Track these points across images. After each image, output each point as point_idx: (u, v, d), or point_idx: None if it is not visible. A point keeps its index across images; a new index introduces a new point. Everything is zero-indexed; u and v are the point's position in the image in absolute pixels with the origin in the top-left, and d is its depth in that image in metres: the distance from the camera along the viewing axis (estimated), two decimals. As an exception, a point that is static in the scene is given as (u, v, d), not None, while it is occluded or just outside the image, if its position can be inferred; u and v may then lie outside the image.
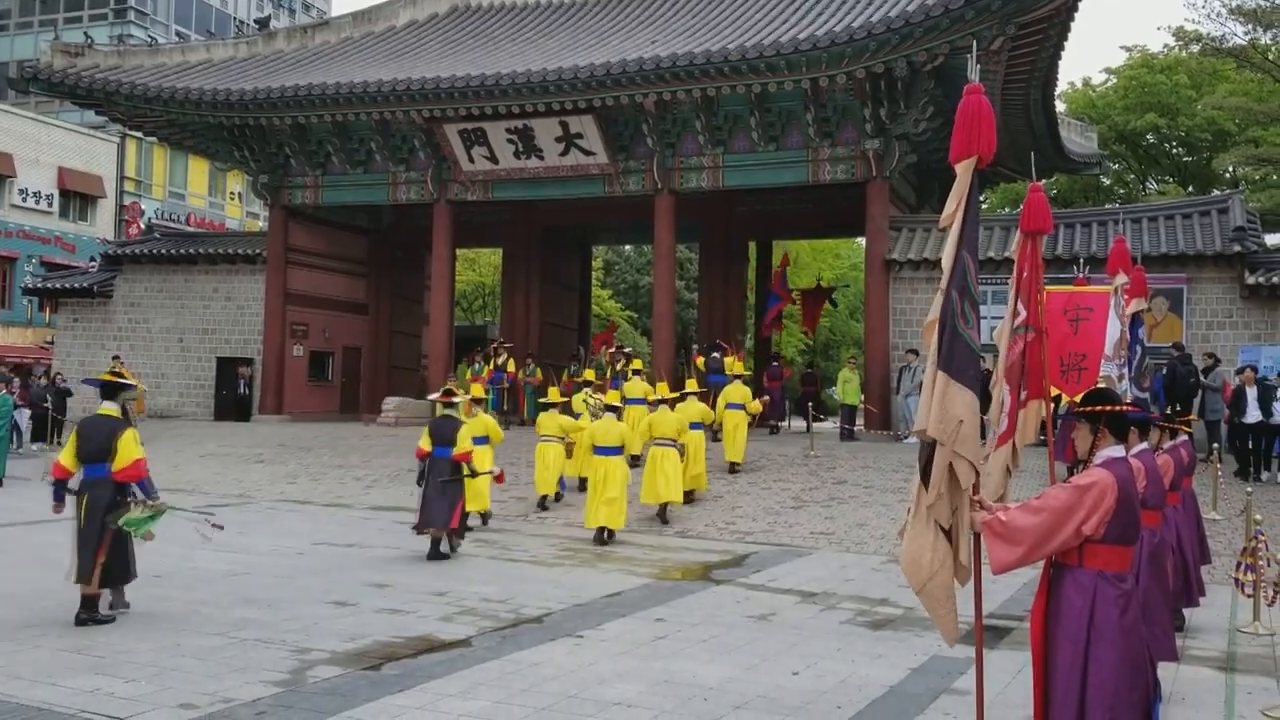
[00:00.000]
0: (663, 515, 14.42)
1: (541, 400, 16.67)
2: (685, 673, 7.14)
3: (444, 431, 11.93)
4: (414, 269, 30.26)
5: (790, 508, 14.97)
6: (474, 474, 12.17)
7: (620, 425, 13.52)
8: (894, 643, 8.19)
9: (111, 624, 8.16)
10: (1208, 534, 10.26)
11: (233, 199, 50.97)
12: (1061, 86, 42.18)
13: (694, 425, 15.21)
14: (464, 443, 11.92)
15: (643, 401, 16.91)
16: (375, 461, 19.21)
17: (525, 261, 28.98)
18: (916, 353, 19.37)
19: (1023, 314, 5.90)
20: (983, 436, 5.49)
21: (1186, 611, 8.62)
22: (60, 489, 8.48)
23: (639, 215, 24.23)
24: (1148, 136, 39.71)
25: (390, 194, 25.50)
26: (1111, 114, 39.11)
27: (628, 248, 49.86)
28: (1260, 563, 8.23)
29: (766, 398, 19.27)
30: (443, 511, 11.61)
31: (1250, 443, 16.31)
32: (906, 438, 19.04)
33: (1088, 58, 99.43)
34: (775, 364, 25.18)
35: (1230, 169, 38.30)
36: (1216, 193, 28.38)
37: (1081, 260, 17.27)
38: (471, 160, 23.74)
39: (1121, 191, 41.58)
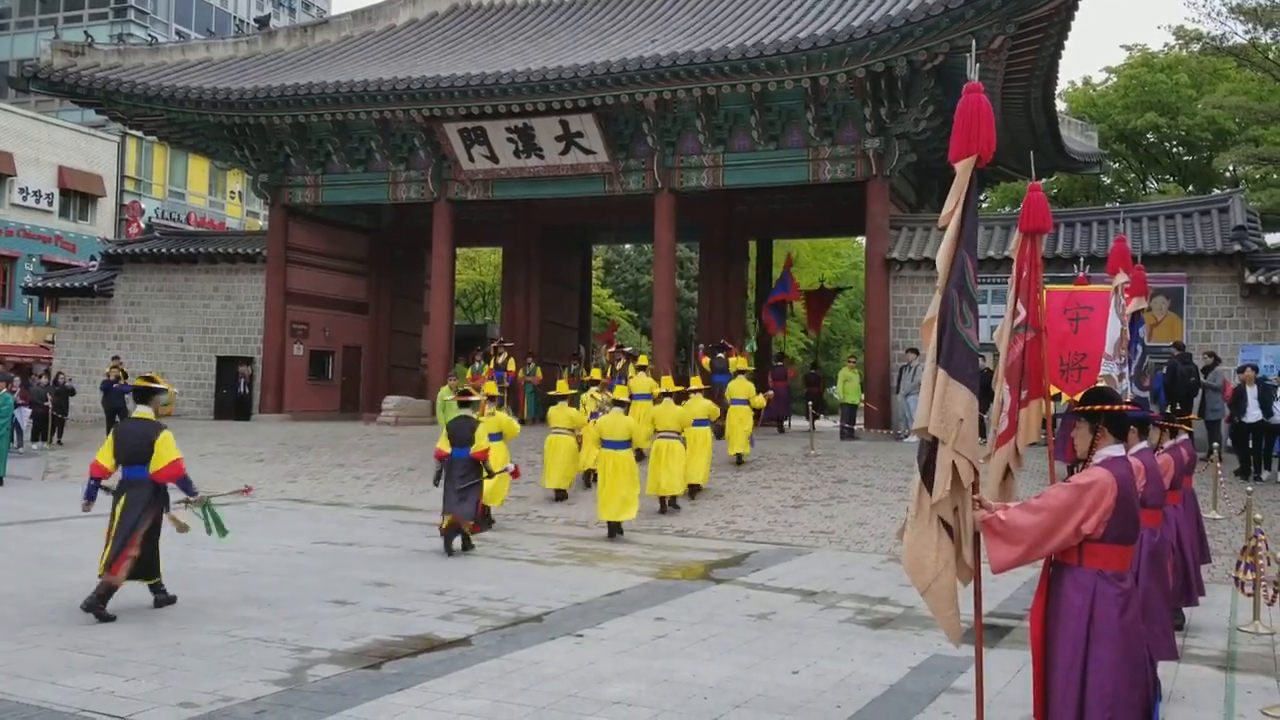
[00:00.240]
0: (664, 507, 14.72)
1: (552, 393, 16.99)
2: (685, 671, 7.14)
3: (462, 432, 12.26)
4: (414, 268, 30.27)
5: (790, 506, 14.99)
6: (490, 474, 12.55)
7: (627, 419, 13.88)
8: (894, 641, 8.19)
9: (112, 623, 8.17)
10: (1208, 533, 10.26)
11: (233, 198, 50.96)
12: (1062, 85, 42.24)
13: (699, 422, 15.53)
14: (481, 441, 12.26)
15: (648, 397, 17.04)
16: (375, 460, 19.21)
17: (525, 260, 28.98)
18: (917, 352, 19.37)
19: (1022, 313, 5.89)
20: (982, 435, 5.49)
21: (1186, 610, 8.62)
22: (94, 487, 8.80)
23: (639, 214, 24.22)
24: (1148, 135, 39.68)
25: (390, 193, 25.50)
26: (1112, 113, 39.08)
27: (628, 247, 49.83)
28: (1260, 562, 8.23)
29: (771, 393, 19.34)
30: (468, 509, 11.99)
31: (1250, 442, 16.32)
32: (907, 436, 19.06)
33: (1088, 57, 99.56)
34: (780, 364, 25.23)
35: (1230, 168, 38.27)
36: (1217, 192, 28.39)
37: (1082, 259, 17.29)
38: (471, 159, 23.74)
39: (1122, 190, 41.55)
